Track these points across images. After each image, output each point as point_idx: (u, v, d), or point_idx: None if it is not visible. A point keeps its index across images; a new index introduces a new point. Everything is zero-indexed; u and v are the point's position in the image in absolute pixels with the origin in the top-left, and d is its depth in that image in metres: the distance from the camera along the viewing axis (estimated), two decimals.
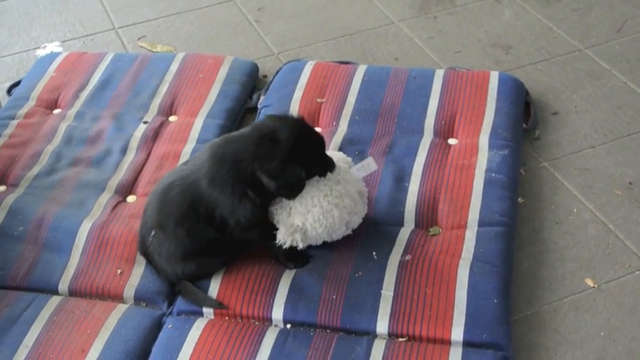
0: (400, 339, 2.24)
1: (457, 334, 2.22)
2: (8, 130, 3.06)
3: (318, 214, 2.31)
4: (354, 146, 2.84)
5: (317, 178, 2.34)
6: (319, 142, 2.32)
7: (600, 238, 2.59)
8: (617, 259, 2.51)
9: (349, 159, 2.51)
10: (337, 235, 2.41)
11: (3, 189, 2.80)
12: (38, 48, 3.69)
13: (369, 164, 2.48)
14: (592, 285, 2.45)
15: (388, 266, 2.40)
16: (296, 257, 2.42)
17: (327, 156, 2.34)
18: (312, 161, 2.29)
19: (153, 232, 2.37)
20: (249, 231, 2.35)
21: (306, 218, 2.32)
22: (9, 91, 3.36)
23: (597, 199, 2.73)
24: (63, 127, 3.04)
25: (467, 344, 2.21)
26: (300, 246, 2.35)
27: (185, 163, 2.43)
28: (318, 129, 2.97)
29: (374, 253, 2.44)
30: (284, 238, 2.33)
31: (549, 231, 2.63)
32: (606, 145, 2.95)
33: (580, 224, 2.64)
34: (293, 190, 2.29)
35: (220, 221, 2.30)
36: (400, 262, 2.41)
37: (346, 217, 2.37)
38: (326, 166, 2.33)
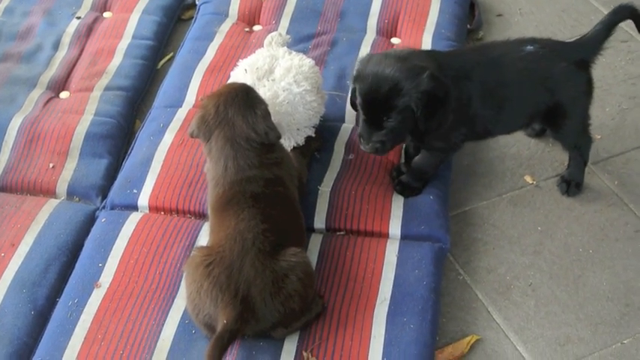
0: (338, 233, 2.23)
1: (395, 226, 2.22)
2: None
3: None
4: (294, 45, 2.75)
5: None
6: None
7: (540, 136, 2.58)
8: (557, 157, 2.51)
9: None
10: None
11: None
12: None
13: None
14: (531, 182, 2.46)
15: (331, 164, 2.39)
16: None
17: None
18: None
19: None
20: None
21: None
22: None
23: None
24: None
25: (405, 237, 2.21)
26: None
27: None
28: (258, 27, 2.90)
29: (316, 153, 2.42)
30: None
31: None
32: None
33: None
34: None
35: None
36: (343, 160, 2.40)
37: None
38: None
